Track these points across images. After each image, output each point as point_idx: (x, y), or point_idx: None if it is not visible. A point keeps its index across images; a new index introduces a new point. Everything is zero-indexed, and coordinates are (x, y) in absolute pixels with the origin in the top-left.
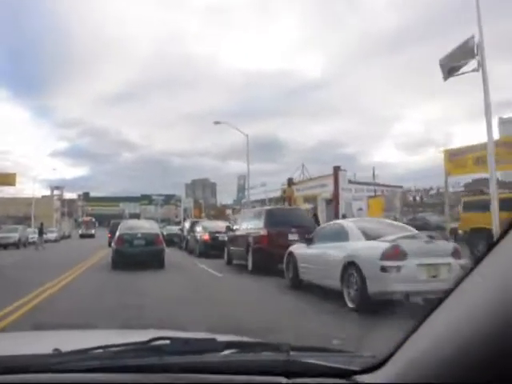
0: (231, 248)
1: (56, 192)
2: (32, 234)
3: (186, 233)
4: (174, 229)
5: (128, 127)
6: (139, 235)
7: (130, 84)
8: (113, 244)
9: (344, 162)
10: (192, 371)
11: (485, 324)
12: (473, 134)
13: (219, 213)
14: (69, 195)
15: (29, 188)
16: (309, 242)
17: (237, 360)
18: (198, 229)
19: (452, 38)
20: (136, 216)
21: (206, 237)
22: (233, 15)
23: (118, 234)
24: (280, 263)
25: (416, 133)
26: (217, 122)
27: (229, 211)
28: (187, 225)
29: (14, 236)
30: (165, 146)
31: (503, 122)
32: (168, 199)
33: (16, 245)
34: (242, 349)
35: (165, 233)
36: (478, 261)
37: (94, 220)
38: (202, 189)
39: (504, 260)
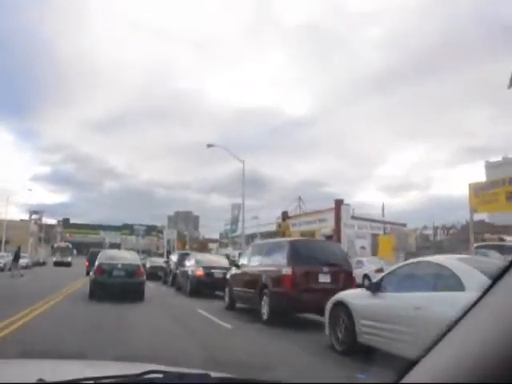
0: (235, 289)
1: (34, 216)
2: None
3: (173, 266)
4: (159, 261)
5: (113, 156)
6: (119, 266)
7: (117, 112)
8: (91, 273)
9: (327, 201)
10: None
11: (495, 349)
12: (454, 177)
13: (202, 246)
14: (48, 221)
15: (9, 212)
16: (375, 288)
17: None
18: (190, 262)
19: (440, 79)
20: (116, 246)
21: (200, 272)
22: (221, 51)
23: (97, 263)
24: (304, 311)
25: (398, 175)
26: (210, 145)
27: (213, 245)
28: (174, 257)
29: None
30: (149, 177)
31: (489, 166)
32: (150, 230)
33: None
34: None
35: (148, 265)
36: (487, 289)
37: (70, 246)
38: (185, 221)
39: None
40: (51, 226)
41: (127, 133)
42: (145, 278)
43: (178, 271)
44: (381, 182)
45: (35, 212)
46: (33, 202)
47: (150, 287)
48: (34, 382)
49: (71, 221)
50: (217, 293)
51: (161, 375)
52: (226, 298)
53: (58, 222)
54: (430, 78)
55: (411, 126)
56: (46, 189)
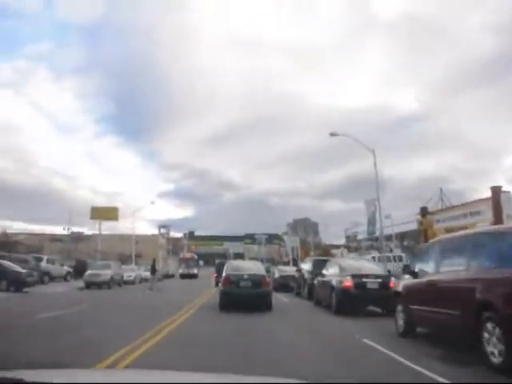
0: (415, 307)
1: (163, 231)
2: (129, 271)
3: (306, 275)
4: (289, 270)
5: (228, 168)
6: (246, 276)
7: (227, 127)
8: (220, 285)
9: (451, 198)
10: None
11: None
12: None
13: (325, 252)
14: (175, 234)
15: (140, 227)
16: None
17: None
18: (331, 270)
19: None
20: (240, 255)
21: (349, 283)
22: (322, 54)
23: (224, 274)
24: None
25: None
26: (333, 134)
27: (336, 251)
28: (307, 265)
29: (106, 274)
30: (263, 186)
31: None
32: (271, 238)
33: (107, 284)
34: None
35: (276, 275)
36: None
37: (196, 257)
38: (304, 228)
39: None
40: (178, 239)
41: (240, 145)
42: (271, 287)
43: (315, 281)
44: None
45: (163, 226)
46: (160, 217)
47: (283, 301)
48: None
49: (196, 233)
50: (370, 308)
51: None
52: (400, 321)
53: (184, 234)
54: None
55: None
56: (171, 204)
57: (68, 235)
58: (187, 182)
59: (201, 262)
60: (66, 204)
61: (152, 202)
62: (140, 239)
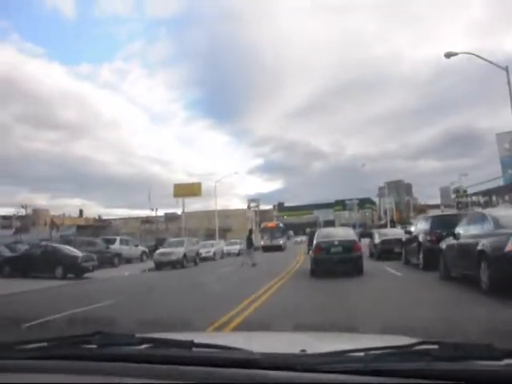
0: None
1: (253, 204)
2: (208, 247)
3: (422, 238)
4: (394, 233)
5: (316, 137)
6: (336, 242)
7: (314, 96)
8: (311, 252)
9: None
10: (462, 379)
11: None
12: None
13: (422, 212)
14: (265, 207)
15: (234, 204)
16: None
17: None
18: (477, 229)
19: None
20: (330, 223)
21: None
22: (411, 5)
23: (315, 242)
24: None
25: None
26: (450, 54)
27: (433, 211)
28: (423, 225)
29: (178, 252)
30: (353, 151)
31: None
32: (362, 203)
33: (180, 262)
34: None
35: (377, 239)
36: None
37: (281, 225)
38: (397, 190)
39: None
40: (267, 211)
41: (327, 113)
42: (362, 252)
43: (444, 246)
44: None
45: (252, 200)
46: (251, 192)
47: (394, 275)
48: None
49: (285, 204)
50: None
51: (436, 346)
52: None
53: (274, 206)
54: None
55: None
56: (261, 178)
57: (159, 216)
58: (276, 155)
59: (291, 233)
60: (164, 188)
61: (236, 173)
62: (230, 214)
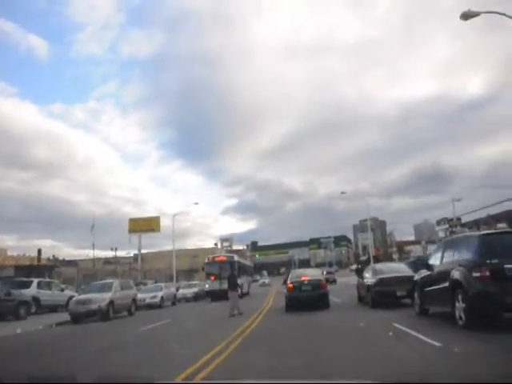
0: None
1: (225, 244)
2: (153, 291)
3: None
4: (400, 269)
5: (289, 177)
6: (306, 282)
7: (286, 136)
8: (285, 290)
9: None
10: None
11: None
12: None
13: (399, 250)
14: (238, 247)
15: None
16: None
17: None
18: None
19: None
20: (306, 262)
21: None
22: (378, 48)
23: (288, 282)
24: None
25: None
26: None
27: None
28: (461, 249)
29: (102, 299)
30: (326, 191)
31: None
32: (337, 241)
33: (101, 313)
34: None
35: (370, 279)
36: None
37: (236, 260)
38: (372, 228)
39: None
40: (240, 251)
41: (300, 153)
42: (328, 290)
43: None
44: None
45: (225, 240)
46: (225, 232)
47: (416, 340)
48: None
49: (259, 244)
50: None
51: None
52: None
53: (247, 245)
54: None
55: None
56: (235, 218)
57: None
58: (250, 195)
59: (264, 273)
60: (136, 228)
61: (196, 203)
62: (198, 253)
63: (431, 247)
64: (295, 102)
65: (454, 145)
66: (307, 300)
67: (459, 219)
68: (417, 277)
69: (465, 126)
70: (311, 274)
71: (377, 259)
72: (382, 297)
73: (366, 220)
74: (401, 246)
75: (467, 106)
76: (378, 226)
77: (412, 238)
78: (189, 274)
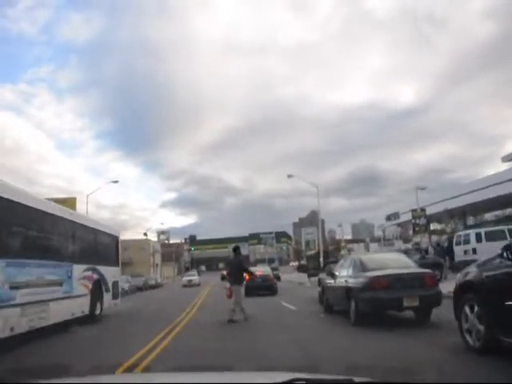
0: None
1: (162, 237)
2: None
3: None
4: (403, 263)
5: (228, 173)
6: (259, 275)
7: (226, 132)
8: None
9: (453, 188)
10: None
11: None
12: None
13: (338, 247)
14: (176, 241)
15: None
16: None
17: None
18: None
19: None
20: (245, 257)
21: None
22: (316, 55)
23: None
24: None
25: None
26: (290, 176)
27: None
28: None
29: None
30: (266, 188)
31: None
32: (278, 237)
33: None
34: None
35: (354, 279)
36: None
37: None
38: (312, 225)
39: None
40: (178, 244)
41: (239, 150)
42: (275, 281)
43: None
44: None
45: (162, 232)
46: (164, 227)
47: None
48: None
49: (198, 238)
50: None
51: (304, 382)
52: None
53: (185, 239)
54: None
55: None
56: (174, 212)
57: None
58: (189, 189)
59: (203, 268)
60: None
61: (115, 181)
62: (129, 245)
63: (373, 245)
64: (236, 99)
65: (387, 150)
66: (260, 288)
67: (423, 210)
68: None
69: (398, 133)
70: (263, 270)
71: (327, 255)
72: (379, 307)
73: (313, 213)
74: (339, 244)
75: (400, 113)
76: (315, 227)
77: (349, 236)
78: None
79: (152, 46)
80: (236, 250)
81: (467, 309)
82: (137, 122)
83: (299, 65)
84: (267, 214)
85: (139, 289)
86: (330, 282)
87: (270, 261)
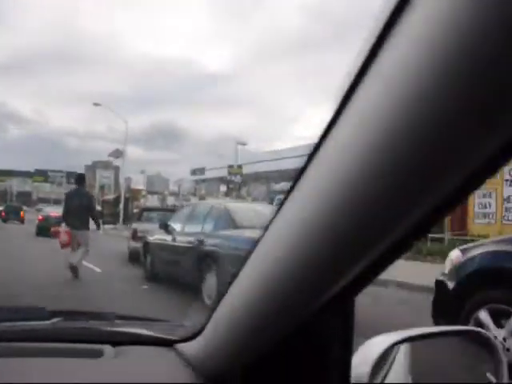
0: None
1: None
2: None
3: None
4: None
5: (17, 99)
6: (52, 216)
7: (16, 51)
8: (37, 221)
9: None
10: (17, 339)
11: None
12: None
13: (134, 197)
14: None
15: None
16: None
17: (63, 328)
18: None
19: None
20: (27, 194)
21: None
22: None
23: (40, 215)
24: None
25: (312, 135)
26: (96, 104)
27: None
28: None
29: None
30: (60, 125)
31: None
32: (69, 177)
33: None
34: (69, 317)
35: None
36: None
37: None
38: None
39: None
40: None
41: (31, 77)
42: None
43: None
44: (295, 140)
45: None
46: None
47: None
48: None
49: None
50: None
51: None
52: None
53: None
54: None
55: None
56: None
57: None
58: None
59: None
60: None
61: None
62: None
63: (170, 199)
64: (29, 22)
65: (188, 109)
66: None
67: (240, 166)
68: None
69: (201, 95)
70: (57, 211)
71: (128, 201)
72: None
73: (117, 152)
74: (138, 193)
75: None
76: (112, 170)
77: (142, 187)
78: None
79: None
80: (80, 180)
81: None
82: None
83: (111, 4)
84: (59, 153)
85: None
86: (162, 238)
87: (56, 202)
